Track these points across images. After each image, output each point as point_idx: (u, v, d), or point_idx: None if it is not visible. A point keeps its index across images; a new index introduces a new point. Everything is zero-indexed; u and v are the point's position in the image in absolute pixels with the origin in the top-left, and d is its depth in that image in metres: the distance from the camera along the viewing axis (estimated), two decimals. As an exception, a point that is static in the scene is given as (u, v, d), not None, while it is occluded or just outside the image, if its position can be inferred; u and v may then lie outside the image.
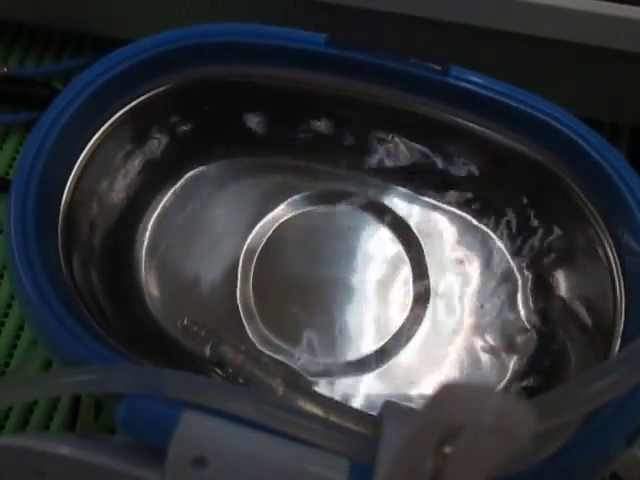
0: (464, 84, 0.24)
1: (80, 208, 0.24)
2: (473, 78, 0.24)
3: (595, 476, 0.20)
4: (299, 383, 0.24)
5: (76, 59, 0.38)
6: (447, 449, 0.13)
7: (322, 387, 0.26)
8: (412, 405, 0.25)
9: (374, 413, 0.22)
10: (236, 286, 0.28)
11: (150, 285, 0.27)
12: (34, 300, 0.20)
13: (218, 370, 0.24)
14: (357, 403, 0.26)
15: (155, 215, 0.28)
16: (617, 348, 0.22)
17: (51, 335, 0.20)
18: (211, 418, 0.17)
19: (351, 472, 0.17)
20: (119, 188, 0.27)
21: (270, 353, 0.26)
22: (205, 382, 0.18)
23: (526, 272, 0.28)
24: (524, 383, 0.26)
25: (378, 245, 0.29)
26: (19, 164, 0.23)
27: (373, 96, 0.26)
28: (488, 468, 0.12)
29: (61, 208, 0.23)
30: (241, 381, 0.23)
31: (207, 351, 0.25)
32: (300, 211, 0.29)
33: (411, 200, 0.29)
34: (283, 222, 0.29)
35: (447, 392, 0.12)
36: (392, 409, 0.18)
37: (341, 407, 0.22)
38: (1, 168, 0.35)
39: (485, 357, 0.27)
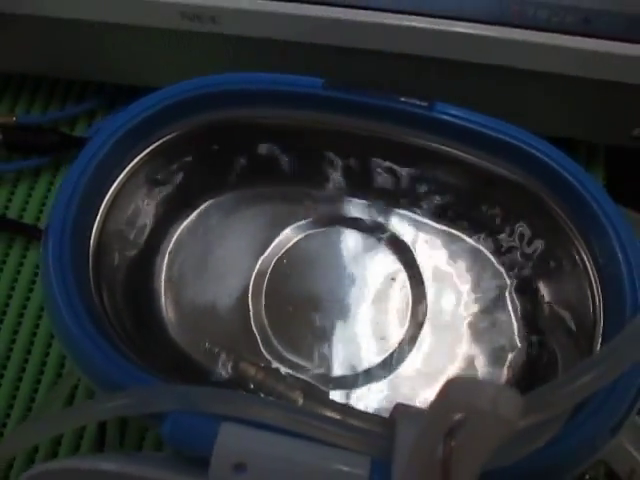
0: (447, 117, 0.27)
1: (106, 245, 0.26)
2: (455, 112, 0.27)
3: (583, 464, 0.22)
4: (316, 394, 0.26)
5: (80, 105, 0.40)
6: (453, 442, 0.16)
7: (335, 398, 0.28)
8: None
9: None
10: (249, 308, 0.30)
11: (170, 312, 0.29)
12: (78, 336, 0.22)
13: (240, 388, 0.26)
14: (368, 409, 0.27)
15: (171, 246, 0.30)
16: (598, 348, 0.24)
17: (94, 365, 0.22)
18: (245, 427, 0.19)
19: (372, 468, 0.19)
20: (139, 225, 0.29)
21: (284, 369, 0.28)
22: (237, 396, 0.20)
23: (515, 282, 0.30)
24: (519, 385, 0.28)
25: (379, 263, 0.31)
26: (55, 208, 0.24)
27: (367, 130, 0.28)
28: (486, 450, 0.14)
29: (91, 246, 0.25)
30: (262, 396, 0.25)
31: (228, 370, 0.27)
32: (306, 234, 0.31)
33: (407, 220, 0.31)
34: (291, 245, 0.31)
35: (450, 385, 0.14)
36: (403, 410, 0.20)
37: (356, 412, 0.24)
38: (14, 212, 0.37)
39: (481, 364, 0.29)
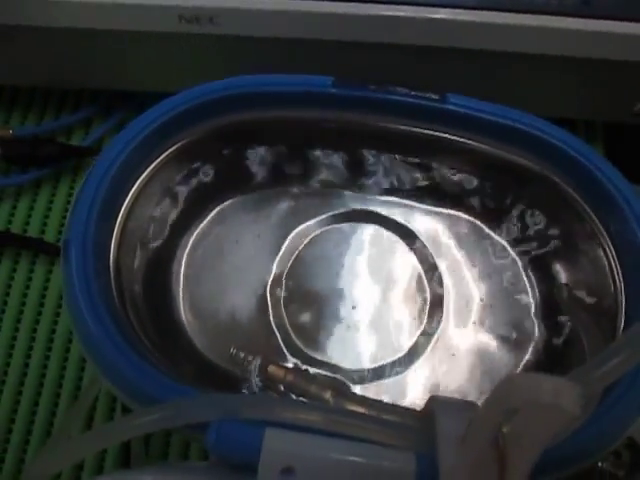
0: (459, 109, 0.27)
1: (125, 255, 0.26)
2: (467, 103, 0.27)
3: (616, 442, 0.22)
4: (345, 392, 0.26)
5: (75, 114, 0.40)
6: (505, 429, 0.16)
7: (361, 393, 0.28)
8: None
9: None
10: (268, 309, 0.30)
11: (190, 318, 0.29)
12: (106, 348, 0.22)
13: (270, 391, 0.26)
14: (395, 402, 0.28)
15: (187, 252, 0.30)
16: (622, 327, 0.25)
17: (123, 375, 0.22)
18: (289, 431, 0.19)
19: (418, 462, 0.19)
20: (155, 232, 0.29)
21: (308, 367, 0.28)
22: (277, 401, 0.20)
23: (532, 267, 0.30)
24: (542, 366, 0.28)
25: (395, 257, 0.31)
26: (74, 220, 0.24)
27: (378, 126, 0.28)
28: (543, 440, 0.15)
29: (111, 256, 0.25)
30: (294, 397, 0.25)
31: (256, 374, 0.26)
32: (321, 231, 0.31)
33: (421, 212, 0.31)
34: (306, 244, 0.31)
35: (509, 380, 0.14)
36: (440, 402, 0.20)
37: (389, 407, 0.25)
38: (18, 226, 0.37)
39: (500, 351, 0.29)
